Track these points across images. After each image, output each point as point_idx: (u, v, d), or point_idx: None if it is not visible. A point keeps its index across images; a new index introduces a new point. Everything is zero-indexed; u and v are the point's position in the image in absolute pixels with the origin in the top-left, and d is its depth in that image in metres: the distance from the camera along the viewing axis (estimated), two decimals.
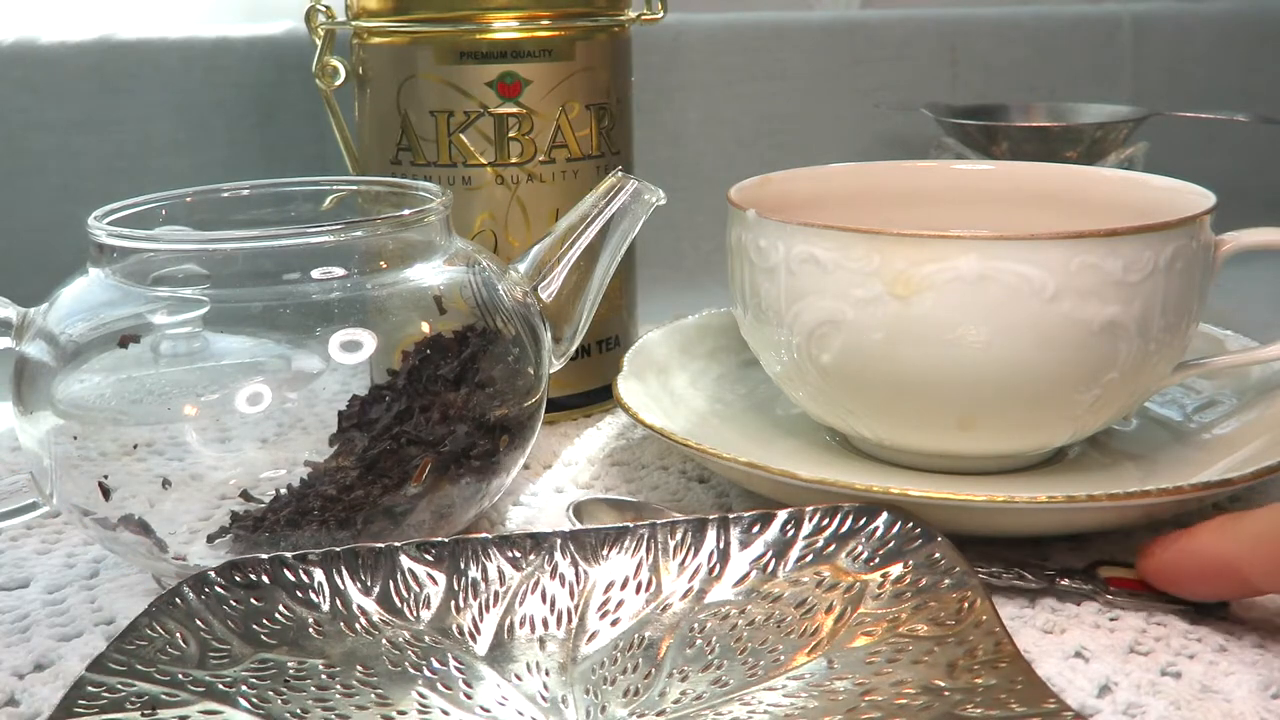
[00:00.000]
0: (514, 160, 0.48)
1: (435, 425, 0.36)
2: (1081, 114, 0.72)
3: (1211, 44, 0.88)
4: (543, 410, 0.41)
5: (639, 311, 0.55)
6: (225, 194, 0.42)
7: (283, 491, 0.35)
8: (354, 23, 0.50)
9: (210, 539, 0.35)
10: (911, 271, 0.36)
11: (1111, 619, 0.34)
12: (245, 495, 0.35)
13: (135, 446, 0.35)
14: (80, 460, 0.35)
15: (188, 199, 0.41)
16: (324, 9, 0.51)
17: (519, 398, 0.39)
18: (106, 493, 0.34)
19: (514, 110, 0.48)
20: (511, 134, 0.48)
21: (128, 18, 0.69)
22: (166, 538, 0.35)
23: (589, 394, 0.52)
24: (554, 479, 0.45)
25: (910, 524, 0.33)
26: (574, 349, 0.43)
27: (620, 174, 0.43)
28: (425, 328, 0.37)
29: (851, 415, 0.41)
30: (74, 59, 0.64)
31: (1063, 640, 0.33)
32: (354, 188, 0.44)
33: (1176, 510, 0.37)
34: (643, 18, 0.52)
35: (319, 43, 0.51)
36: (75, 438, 0.35)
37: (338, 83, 0.51)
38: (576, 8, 0.49)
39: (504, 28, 0.47)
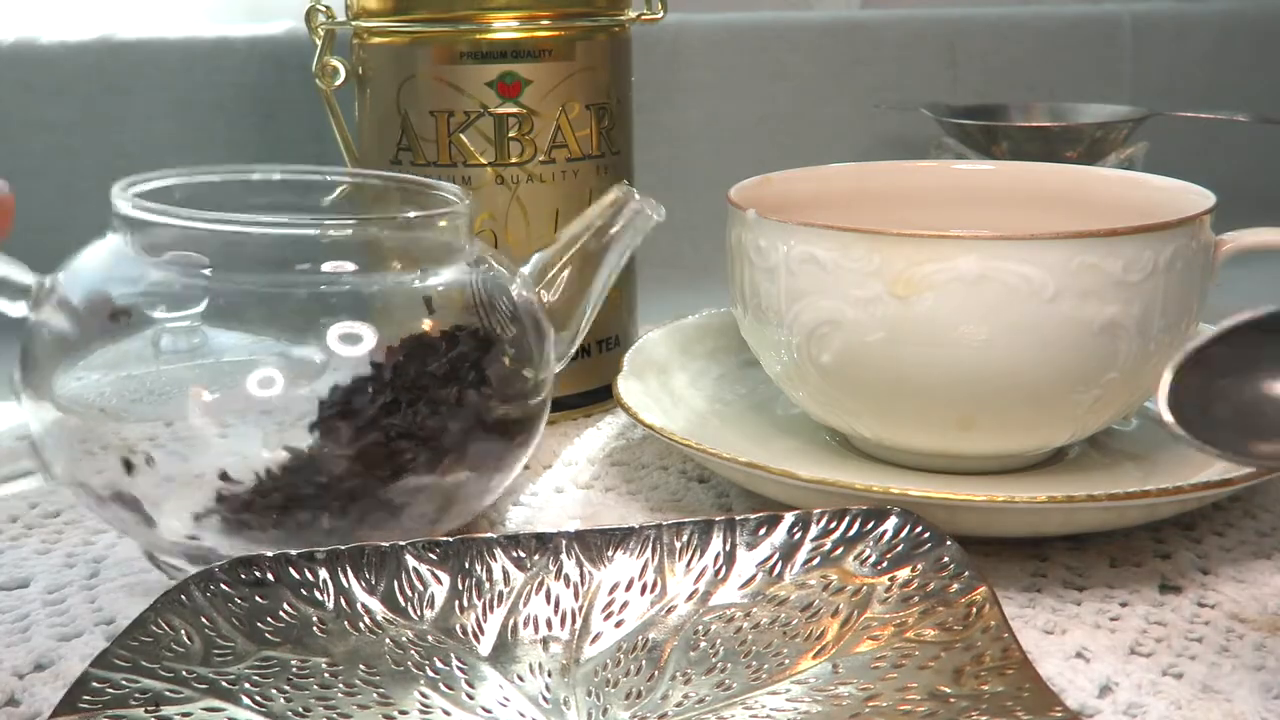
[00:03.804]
0: (514, 160, 0.48)
1: (425, 420, 0.36)
2: (1081, 114, 0.72)
3: (1211, 44, 0.88)
4: (546, 411, 0.41)
5: (639, 311, 0.55)
6: (255, 176, 0.43)
7: (263, 475, 0.35)
8: (354, 23, 0.50)
9: (197, 517, 0.35)
10: (911, 271, 0.36)
11: (1112, 619, 0.34)
12: (224, 476, 0.35)
13: (137, 430, 0.35)
14: (81, 437, 0.35)
15: (213, 178, 0.41)
16: (324, 9, 0.51)
17: (520, 397, 0.39)
18: (106, 469, 0.34)
19: (514, 110, 0.48)
20: (511, 134, 0.48)
21: (128, 18, 0.69)
22: (155, 515, 0.35)
23: (589, 394, 0.52)
24: (554, 479, 0.46)
25: (919, 527, 0.33)
26: (570, 354, 0.43)
27: (625, 188, 0.43)
28: (426, 324, 0.37)
29: (851, 415, 0.41)
30: (74, 59, 0.64)
31: (1064, 641, 0.33)
32: (377, 183, 0.44)
33: (1177, 510, 0.38)
34: (643, 18, 0.52)
35: (319, 43, 0.51)
36: (79, 413, 0.35)
37: (338, 83, 0.51)
38: (576, 8, 0.49)
39: (504, 28, 0.47)
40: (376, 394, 0.36)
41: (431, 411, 0.36)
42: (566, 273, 0.42)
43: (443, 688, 0.30)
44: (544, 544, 0.34)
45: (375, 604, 0.32)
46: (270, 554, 0.32)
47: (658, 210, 0.43)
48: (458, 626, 0.32)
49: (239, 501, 0.35)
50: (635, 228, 0.43)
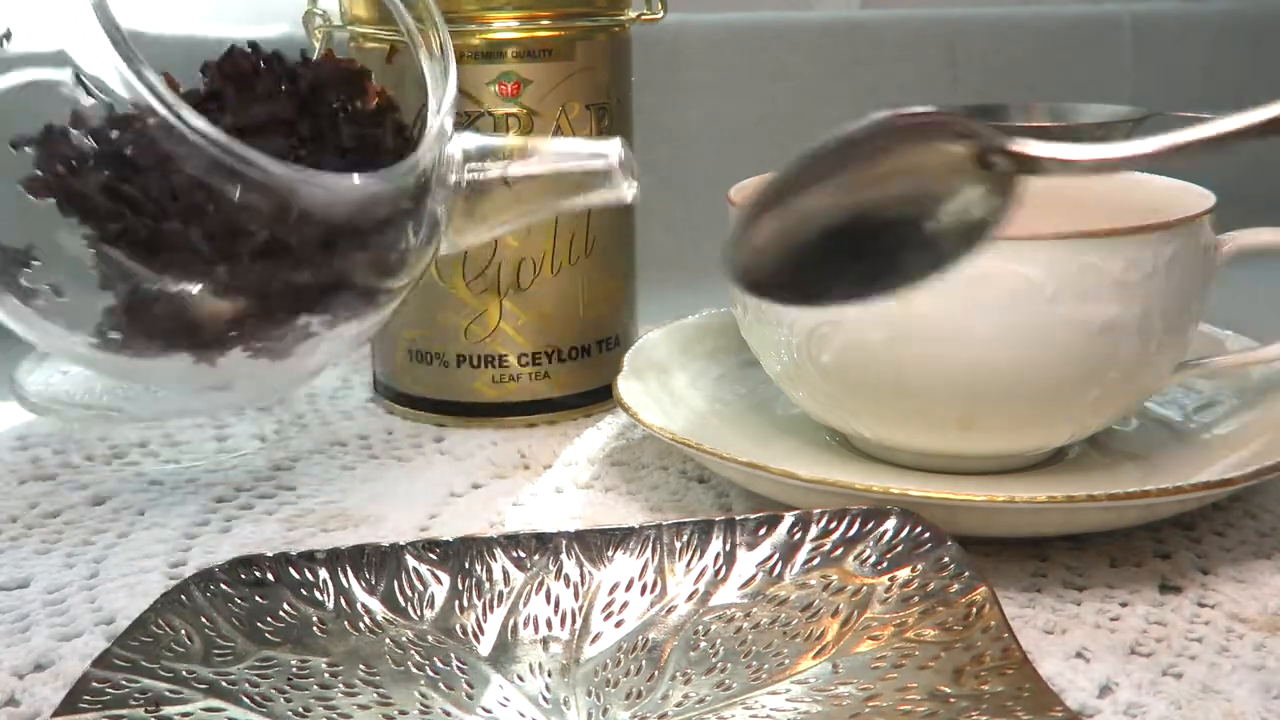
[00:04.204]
0: None
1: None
2: (1081, 114, 0.72)
3: (1211, 44, 0.88)
4: (398, 276, 0.38)
5: (639, 311, 0.55)
6: None
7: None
8: (349, 28, 0.50)
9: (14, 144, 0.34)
10: None
11: (1112, 619, 0.34)
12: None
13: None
14: None
15: None
16: (320, 14, 0.51)
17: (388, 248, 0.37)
18: None
19: (514, 110, 0.48)
20: (512, 134, 0.48)
21: (127, 17, 0.69)
22: None
23: (589, 394, 0.52)
24: (554, 479, 0.46)
25: (919, 527, 0.33)
26: (436, 248, 0.41)
27: (621, 149, 0.42)
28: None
29: (851, 415, 0.41)
30: None
31: (1064, 640, 0.33)
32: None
33: (1177, 510, 0.37)
34: (643, 18, 0.52)
35: (317, 45, 0.51)
36: None
37: None
38: (576, 8, 0.49)
39: (504, 28, 0.47)
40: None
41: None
42: (506, 176, 0.41)
43: (443, 688, 0.30)
44: (544, 544, 0.34)
45: (375, 604, 0.32)
46: (270, 554, 0.33)
47: (632, 188, 0.42)
48: (458, 626, 0.32)
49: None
50: (604, 190, 0.42)
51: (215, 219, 0.34)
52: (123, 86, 0.33)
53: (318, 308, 0.37)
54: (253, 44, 0.39)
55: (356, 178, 0.35)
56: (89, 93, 0.34)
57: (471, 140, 0.41)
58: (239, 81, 0.37)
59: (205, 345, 0.36)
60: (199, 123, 0.33)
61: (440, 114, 0.39)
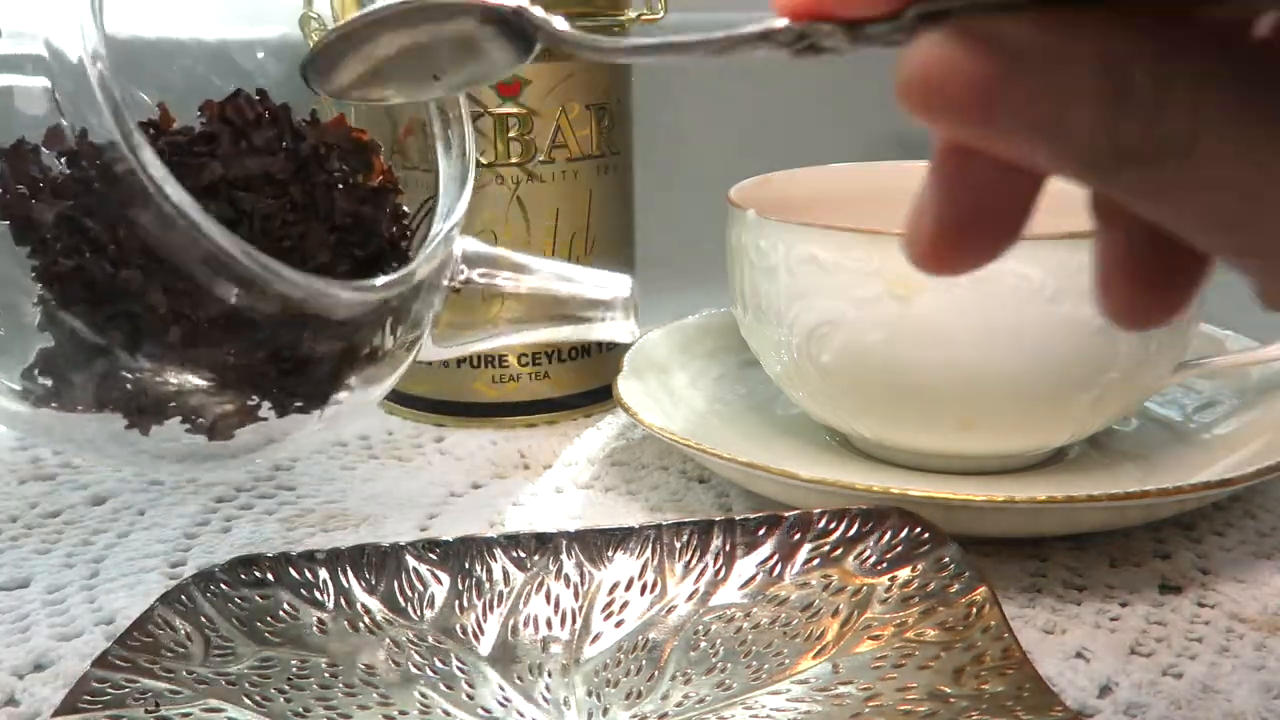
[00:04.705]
0: (514, 160, 0.48)
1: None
2: None
3: None
4: (370, 372, 0.36)
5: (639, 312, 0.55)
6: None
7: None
8: None
9: None
10: (911, 271, 0.36)
11: (1112, 619, 0.34)
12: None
13: None
14: None
15: None
16: (315, 17, 0.51)
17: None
18: None
19: (514, 110, 0.48)
20: (511, 134, 0.48)
21: (128, 16, 0.69)
22: None
23: (589, 394, 0.52)
24: (554, 479, 0.46)
25: (919, 528, 0.33)
26: (414, 353, 0.39)
27: (629, 287, 0.41)
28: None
29: (851, 415, 0.41)
30: None
31: (1064, 640, 0.33)
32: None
33: (1177, 510, 0.38)
34: (643, 18, 0.52)
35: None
36: None
37: None
38: (576, 8, 0.49)
39: None
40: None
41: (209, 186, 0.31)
42: (500, 287, 0.40)
43: (443, 688, 0.30)
44: (544, 544, 0.34)
45: (375, 604, 0.32)
46: (270, 554, 0.33)
47: (633, 331, 0.42)
48: (458, 626, 0.32)
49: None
50: (602, 325, 0.41)
51: (179, 276, 0.31)
52: (96, 118, 0.30)
53: (270, 391, 0.34)
54: (261, 91, 0.36)
55: (343, 290, 0.32)
56: (60, 111, 0.30)
57: (472, 245, 0.39)
58: (236, 129, 0.34)
59: (141, 411, 0.33)
60: (163, 179, 0.29)
61: (450, 220, 0.36)
